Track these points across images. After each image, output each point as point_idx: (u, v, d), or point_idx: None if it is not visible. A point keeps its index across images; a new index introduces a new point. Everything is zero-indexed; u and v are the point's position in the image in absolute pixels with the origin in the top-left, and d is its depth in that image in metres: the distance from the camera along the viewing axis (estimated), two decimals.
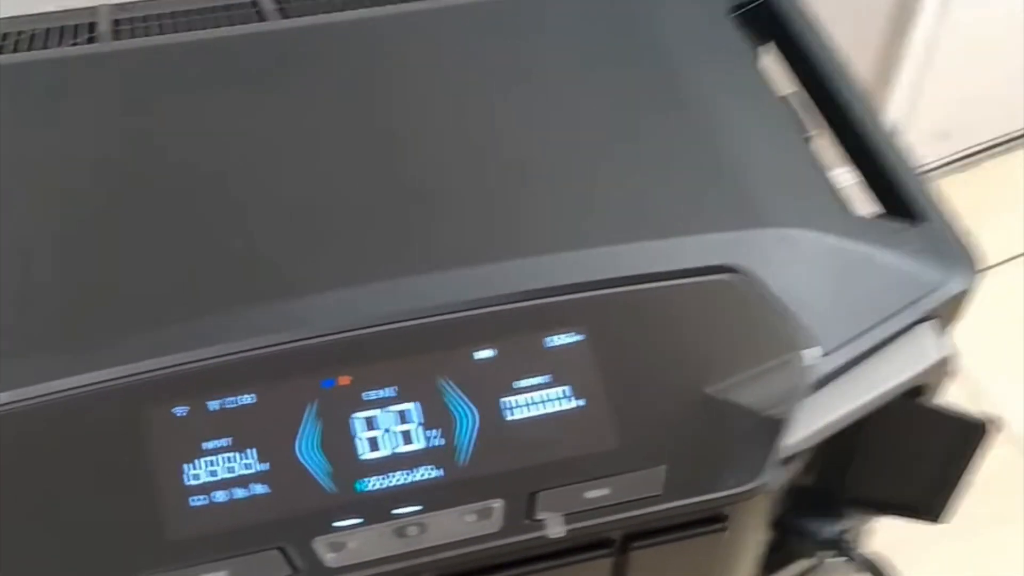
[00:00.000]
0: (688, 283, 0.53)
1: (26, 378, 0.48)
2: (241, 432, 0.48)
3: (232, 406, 0.48)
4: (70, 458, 0.47)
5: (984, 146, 1.36)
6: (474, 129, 0.60)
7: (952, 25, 1.14)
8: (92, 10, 0.70)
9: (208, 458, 0.48)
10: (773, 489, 0.52)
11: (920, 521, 0.60)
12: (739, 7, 0.70)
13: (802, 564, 0.63)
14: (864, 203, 0.63)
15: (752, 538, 0.56)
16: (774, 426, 0.52)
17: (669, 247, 0.54)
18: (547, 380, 0.51)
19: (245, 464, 0.48)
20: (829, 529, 0.59)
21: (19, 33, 0.67)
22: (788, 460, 0.53)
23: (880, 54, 1.17)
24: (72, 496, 0.47)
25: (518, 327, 0.51)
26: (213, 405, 0.48)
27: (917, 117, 1.23)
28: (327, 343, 0.50)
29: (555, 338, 0.51)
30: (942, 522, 0.59)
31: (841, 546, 0.59)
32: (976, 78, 1.23)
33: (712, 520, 0.53)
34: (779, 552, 0.61)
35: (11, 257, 0.52)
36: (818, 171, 0.62)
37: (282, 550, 0.47)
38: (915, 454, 0.58)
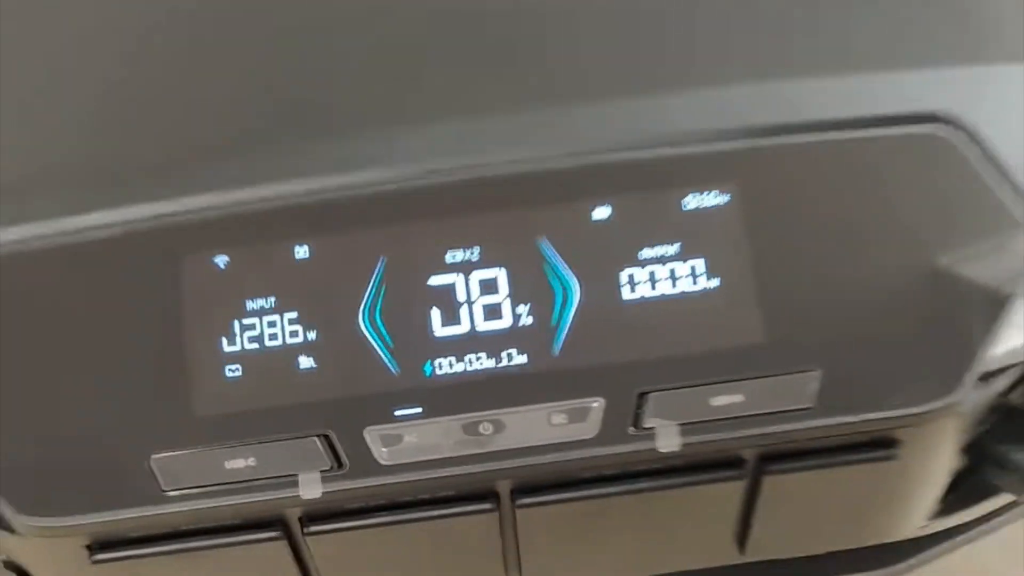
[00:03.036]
0: (875, 135, 0.40)
1: (54, 210, 0.40)
2: (290, 292, 0.40)
3: (284, 259, 0.40)
4: (96, 311, 0.40)
5: None
6: None
7: None
8: None
9: (249, 320, 0.39)
10: (966, 412, 0.40)
11: None
12: None
13: (1000, 501, 0.50)
14: None
15: (932, 470, 0.44)
16: (976, 328, 0.39)
17: (857, 86, 0.41)
18: (677, 251, 0.40)
19: (292, 331, 0.39)
20: None
21: None
22: (992, 375, 0.40)
23: None
24: (94, 357, 0.39)
25: (647, 181, 0.40)
26: (259, 256, 0.40)
27: None
28: (403, 189, 0.40)
29: (692, 198, 0.40)
30: None
31: None
32: None
33: (879, 445, 0.41)
34: (969, 482, 0.49)
35: (48, 87, 0.45)
36: None
37: (325, 438, 0.39)
38: None
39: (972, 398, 0.39)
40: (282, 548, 0.41)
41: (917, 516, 0.47)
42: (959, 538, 0.52)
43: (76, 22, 0.47)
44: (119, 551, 0.40)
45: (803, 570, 0.52)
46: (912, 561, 0.52)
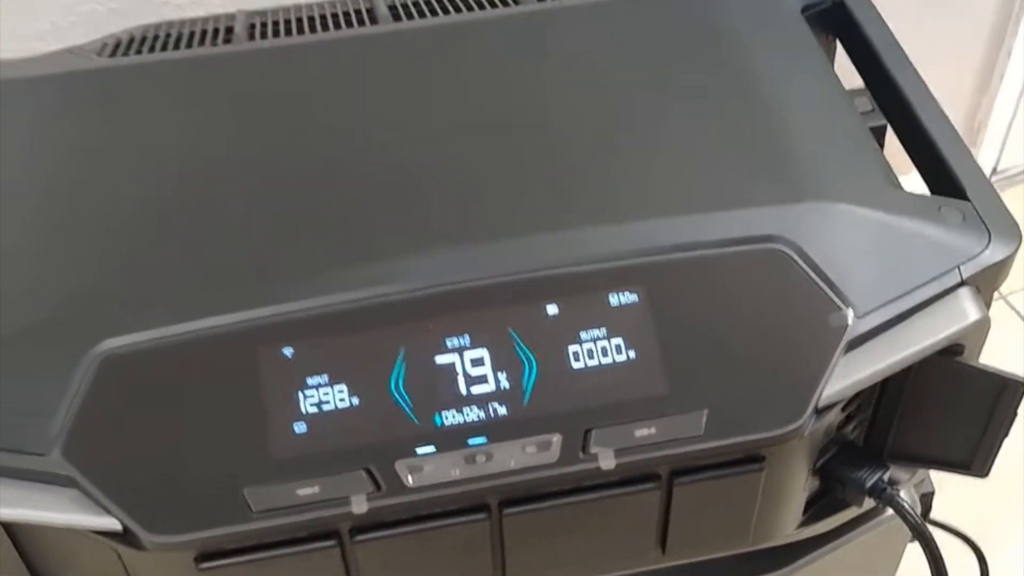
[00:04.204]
0: (735, 251, 0.59)
1: (165, 320, 0.57)
2: (339, 371, 0.57)
3: (333, 348, 0.57)
4: (197, 388, 0.56)
5: None
6: (553, 109, 0.68)
7: None
8: (231, 16, 0.80)
9: (311, 391, 0.56)
10: (806, 435, 0.58)
11: (961, 474, 0.64)
12: (810, 6, 0.76)
13: (850, 512, 0.68)
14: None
15: (791, 480, 0.62)
16: (808, 378, 0.57)
17: (721, 219, 0.60)
18: (604, 333, 0.58)
19: (341, 398, 0.56)
20: (873, 479, 0.64)
21: (167, 35, 0.78)
22: (823, 410, 0.58)
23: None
24: (197, 420, 0.56)
25: (582, 287, 0.58)
26: (317, 347, 0.57)
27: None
28: (416, 297, 0.58)
29: (614, 297, 0.58)
30: (982, 476, 0.64)
31: (883, 495, 0.63)
32: None
33: (750, 460, 0.59)
34: (825, 499, 0.67)
35: (150, 222, 0.63)
36: (872, 150, 0.67)
37: (368, 471, 0.55)
38: (956, 411, 0.63)
39: (811, 425, 0.58)
40: (336, 554, 0.57)
41: (787, 522, 0.65)
42: (830, 544, 0.70)
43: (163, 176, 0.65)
44: (219, 560, 0.56)
45: (719, 573, 0.70)
46: (799, 563, 0.70)
